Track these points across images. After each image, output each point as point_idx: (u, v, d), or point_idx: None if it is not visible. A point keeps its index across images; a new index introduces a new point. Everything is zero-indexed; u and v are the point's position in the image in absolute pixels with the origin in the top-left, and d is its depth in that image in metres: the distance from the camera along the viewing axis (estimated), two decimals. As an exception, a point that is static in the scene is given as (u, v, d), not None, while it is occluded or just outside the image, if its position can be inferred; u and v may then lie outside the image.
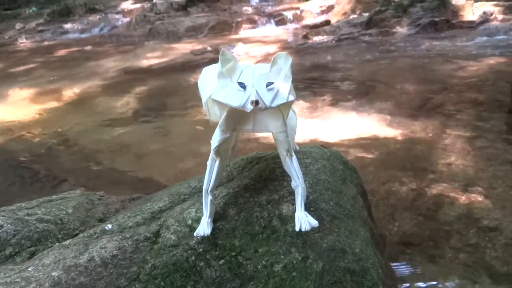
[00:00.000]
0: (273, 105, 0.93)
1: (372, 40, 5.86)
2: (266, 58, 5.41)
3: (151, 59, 5.98)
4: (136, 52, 6.66)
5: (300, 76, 4.55)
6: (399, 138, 2.92)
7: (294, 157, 1.06)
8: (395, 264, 1.79)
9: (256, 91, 0.92)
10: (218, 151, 1.03)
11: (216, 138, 1.01)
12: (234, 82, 0.95)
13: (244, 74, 0.96)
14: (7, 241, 1.13)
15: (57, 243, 1.14)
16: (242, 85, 0.93)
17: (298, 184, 1.05)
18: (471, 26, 5.89)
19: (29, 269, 1.03)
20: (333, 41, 6.01)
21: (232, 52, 5.92)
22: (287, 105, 0.99)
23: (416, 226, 2.05)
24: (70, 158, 3.06)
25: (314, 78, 4.45)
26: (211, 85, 1.03)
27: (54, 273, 0.97)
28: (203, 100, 1.17)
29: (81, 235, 1.14)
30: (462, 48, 5.18)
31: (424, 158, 2.64)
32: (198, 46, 6.37)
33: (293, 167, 1.05)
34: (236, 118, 1.00)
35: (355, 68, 4.78)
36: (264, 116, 1.00)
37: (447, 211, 2.12)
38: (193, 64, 5.44)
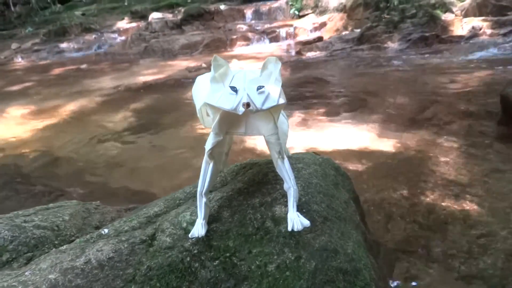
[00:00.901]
0: (264, 107, 0.96)
1: (364, 55, 5.96)
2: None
3: (146, 76, 6.05)
4: (131, 69, 6.73)
5: (294, 90, 4.62)
6: (392, 149, 2.96)
7: (285, 159, 1.09)
8: (389, 271, 1.81)
9: (248, 95, 0.95)
10: (212, 154, 1.06)
11: (209, 141, 1.04)
12: (226, 86, 0.98)
13: (236, 79, 1.00)
14: (4, 247, 1.15)
15: (53, 249, 1.15)
16: (234, 89, 0.97)
17: (290, 186, 1.08)
18: (461, 40, 6.02)
19: (26, 273, 1.04)
20: (326, 57, 6.10)
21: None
22: (278, 108, 1.02)
23: (410, 234, 2.07)
24: (66, 173, 3.07)
25: (307, 92, 4.52)
26: (204, 92, 1.06)
27: (51, 276, 0.99)
28: (197, 107, 1.20)
29: (77, 240, 1.15)
30: (452, 62, 5.28)
31: (417, 168, 2.68)
32: (193, 63, 6.45)
33: (284, 169, 1.08)
34: (229, 121, 1.03)
35: (347, 82, 4.85)
36: (255, 120, 1.04)
37: (440, 219, 2.15)
38: (188, 81, 5.50)
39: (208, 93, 1.00)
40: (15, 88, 6.12)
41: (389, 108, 3.77)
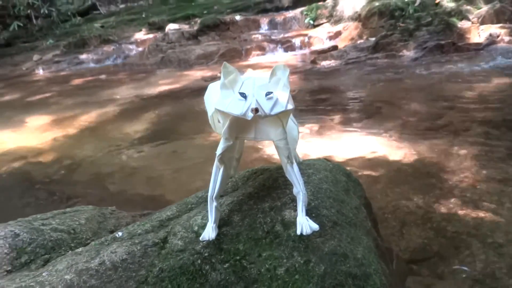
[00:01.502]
0: (273, 112, 0.99)
1: (379, 63, 5.95)
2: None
3: (163, 86, 6.14)
4: (148, 79, 6.85)
5: (309, 98, 4.63)
6: (407, 156, 2.94)
7: (294, 164, 1.10)
8: (402, 279, 1.79)
9: (256, 100, 0.98)
10: (222, 159, 1.08)
11: (220, 146, 1.07)
12: (236, 92, 1.01)
13: (245, 85, 1.03)
14: (23, 249, 1.19)
15: (70, 251, 1.19)
16: (243, 95, 1.00)
17: (299, 190, 1.10)
18: (478, 48, 5.95)
19: (43, 274, 1.08)
20: (341, 65, 6.11)
21: (241, 78, 6.06)
22: (286, 113, 1.05)
23: (424, 242, 2.05)
24: (84, 180, 3.14)
25: (322, 100, 4.53)
26: (215, 99, 1.09)
27: (67, 276, 1.02)
28: (209, 114, 1.24)
29: (92, 243, 1.19)
30: (468, 69, 5.23)
31: (432, 176, 2.65)
32: (209, 73, 6.53)
33: (293, 173, 1.10)
34: (239, 126, 1.05)
35: (362, 90, 4.85)
36: (265, 125, 1.06)
37: (456, 227, 2.12)
38: (204, 90, 5.56)
39: (218, 99, 1.03)
40: (36, 98, 6.29)
41: (404, 116, 3.75)
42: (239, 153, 1.33)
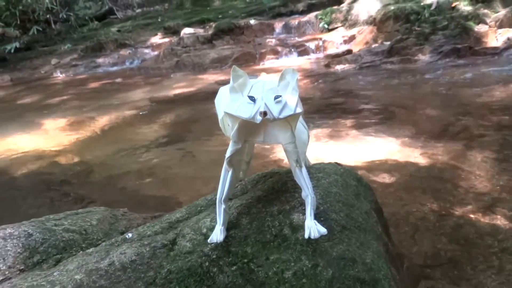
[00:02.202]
0: (281, 116, 0.99)
1: (393, 67, 5.90)
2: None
3: (177, 89, 6.20)
4: (163, 83, 6.91)
5: (323, 102, 4.62)
6: (421, 161, 2.91)
7: (303, 168, 1.10)
8: (413, 285, 1.77)
9: (265, 104, 0.98)
10: (231, 162, 1.09)
11: (228, 149, 1.08)
12: (245, 95, 1.02)
13: (254, 89, 1.03)
14: (35, 249, 1.21)
15: (81, 251, 1.21)
16: (252, 98, 1.00)
17: (308, 194, 1.10)
18: (495, 52, 5.86)
19: (54, 273, 1.10)
20: (355, 69, 6.08)
21: (255, 82, 6.07)
22: (295, 117, 1.05)
23: (437, 247, 2.02)
24: (99, 182, 3.18)
25: (336, 104, 4.51)
26: (225, 102, 1.10)
27: (77, 276, 1.04)
28: (219, 117, 1.24)
29: (103, 243, 1.21)
30: (485, 73, 5.15)
31: (446, 181, 2.62)
32: (223, 77, 6.56)
33: (302, 177, 1.10)
34: (247, 130, 1.06)
35: (376, 94, 4.81)
36: (273, 128, 1.06)
37: (470, 233, 2.09)
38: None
39: (227, 103, 1.04)
40: (53, 101, 6.40)
41: (419, 121, 3.71)
42: (249, 157, 1.34)
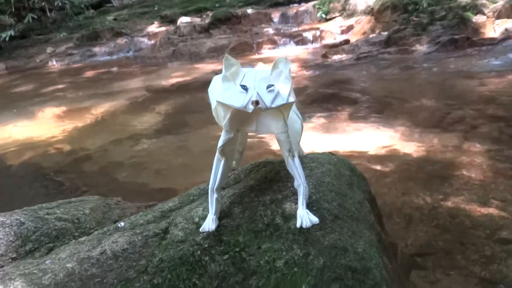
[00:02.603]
0: (273, 105, 0.98)
1: (391, 58, 5.88)
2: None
3: (174, 78, 6.17)
4: (159, 72, 6.87)
5: (319, 92, 4.61)
6: (416, 152, 2.91)
7: (296, 157, 1.10)
8: (406, 273, 1.78)
9: (257, 93, 0.98)
10: (223, 151, 1.09)
11: (221, 139, 1.07)
12: (237, 85, 1.01)
13: (247, 77, 1.02)
14: (28, 238, 1.21)
15: (73, 240, 1.21)
16: (244, 87, 1.00)
17: (300, 183, 1.10)
18: (493, 43, 5.84)
19: (46, 262, 1.10)
20: (352, 60, 6.06)
21: (252, 71, 6.05)
22: (287, 106, 1.04)
23: (430, 237, 2.04)
24: (93, 171, 3.17)
25: (332, 94, 4.50)
26: (218, 91, 1.09)
27: (68, 265, 1.04)
28: (213, 106, 1.24)
29: (95, 232, 1.21)
30: (482, 65, 5.14)
31: (441, 171, 2.63)
32: (219, 66, 6.51)
33: (295, 167, 1.10)
34: (240, 119, 1.06)
35: (373, 85, 4.80)
36: (266, 118, 1.06)
37: (463, 223, 2.10)
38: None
39: (220, 92, 1.03)
40: (49, 89, 6.36)
41: (414, 112, 3.71)
42: (242, 146, 1.33)
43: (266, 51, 7.53)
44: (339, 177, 1.38)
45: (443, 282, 1.77)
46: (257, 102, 0.96)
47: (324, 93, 4.60)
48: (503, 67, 4.94)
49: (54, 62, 8.96)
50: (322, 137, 3.30)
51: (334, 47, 6.68)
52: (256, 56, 7.29)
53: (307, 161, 1.37)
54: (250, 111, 0.97)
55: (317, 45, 7.48)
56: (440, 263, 1.88)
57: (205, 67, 6.77)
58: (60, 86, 6.51)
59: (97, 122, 4.43)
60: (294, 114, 1.24)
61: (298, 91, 4.62)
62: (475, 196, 2.31)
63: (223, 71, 1.03)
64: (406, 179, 2.57)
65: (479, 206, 2.22)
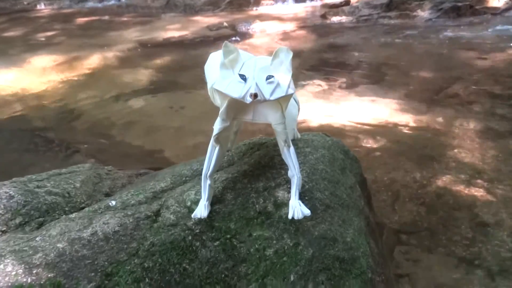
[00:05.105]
0: (272, 98, 0.96)
1: (391, 23, 5.75)
2: (282, 37, 5.38)
3: (167, 31, 5.98)
4: (153, 24, 6.65)
5: (314, 56, 4.53)
6: (409, 126, 2.92)
7: (291, 147, 1.09)
8: (390, 252, 1.84)
9: (256, 84, 0.95)
10: (218, 139, 1.07)
11: (216, 126, 1.05)
12: (236, 73, 0.98)
13: (246, 66, 0.99)
14: (17, 211, 1.20)
15: (63, 216, 1.21)
16: (243, 77, 0.97)
17: (294, 174, 1.09)
18: (496, 12, 5.73)
19: (36, 238, 1.10)
20: (351, 22, 5.92)
21: (248, 29, 5.88)
22: (287, 98, 1.02)
23: (416, 216, 2.08)
24: (83, 129, 3.13)
25: (328, 60, 4.43)
26: (215, 72, 1.06)
27: (59, 245, 1.04)
28: (208, 86, 1.20)
29: (86, 209, 1.20)
30: (483, 36, 5.06)
31: (432, 148, 2.65)
32: (215, 21, 6.33)
33: (290, 157, 1.09)
34: (237, 108, 1.03)
35: (371, 52, 4.72)
36: (263, 107, 1.04)
37: (449, 203, 2.14)
38: (209, 40, 5.44)
39: (218, 79, 1.00)
40: (38, 36, 6.15)
41: (410, 83, 3.67)
42: (236, 127, 1.31)
43: (264, 7, 7.30)
44: (333, 162, 1.38)
45: (425, 261, 1.82)
46: (255, 95, 0.93)
47: (320, 57, 4.52)
48: (504, 39, 4.87)
49: (43, 6, 8.60)
50: (315, 106, 3.27)
51: (334, 8, 6.49)
52: (253, 12, 7.08)
53: (302, 145, 1.37)
54: (248, 102, 0.95)
55: (317, 3, 7.25)
56: (422, 242, 1.93)
57: (200, 21, 6.57)
58: (50, 33, 6.28)
59: (87, 76, 4.32)
60: (291, 99, 1.21)
61: (294, 54, 4.53)
62: (463, 175, 2.35)
63: (222, 58, 0.99)
64: (397, 155, 2.59)
65: (465, 187, 2.25)
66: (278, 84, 0.97)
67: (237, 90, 0.95)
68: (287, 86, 0.98)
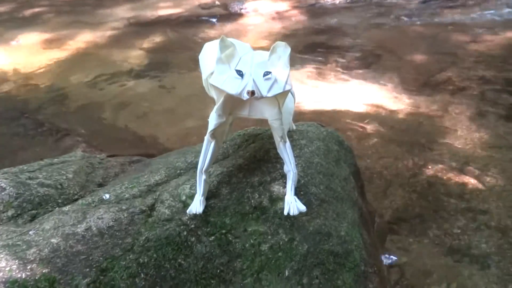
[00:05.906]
0: (269, 95, 0.94)
1: (386, 3, 5.68)
2: (275, 17, 5.29)
3: (158, 9, 5.85)
4: (144, 1, 6.49)
5: (307, 39, 4.47)
6: (402, 112, 2.92)
7: (287, 143, 1.08)
8: (381, 242, 1.86)
9: (253, 80, 0.93)
10: (214, 134, 1.06)
11: (212, 122, 1.04)
12: (232, 69, 0.96)
13: (243, 61, 0.97)
14: (10, 204, 1.19)
15: (57, 208, 1.20)
16: (240, 73, 0.95)
17: (290, 169, 1.09)
18: (491, -5, 5.68)
19: (30, 232, 1.09)
20: (346, 2, 5.84)
21: (241, 8, 5.78)
22: (284, 94, 1.00)
23: (407, 204, 2.10)
24: (73, 112, 3.08)
25: (321, 42, 4.37)
26: (212, 62, 1.04)
27: (53, 240, 1.03)
28: (203, 76, 1.18)
29: (80, 201, 1.19)
30: (478, 18, 5.02)
31: (424, 135, 2.65)
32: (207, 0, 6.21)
33: (286, 152, 1.08)
34: (233, 103, 1.02)
35: (364, 34, 4.67)
36: (260, 103, 1.02)
37: (439, 191, 2.16)
38: (201, 19, 5.34)
39: (214, 74, 0.98)
40: (26, 13, 5.97)
41: (403, 68, 3.66)
42: (231, 120, 1.30)
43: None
44: (327, 154, 1.38)
45: (415, 249, 1.85)
46: (252, 92, 0.92)
47: (313, 40, 4.46)
48: (499, 22, 4.84)
49: (29, -20, 8.34)
50: (307, 90, 3.25)
51: (328, -13, 6.38)
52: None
53: (297, 137, 1.36)
54: (245, 98, 0.93)
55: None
56: (413, 230, 1.96)
57: (193, -1, 6.43)
58: (37, 10, 6.10)
59: (77, 55, 4.23)
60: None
61: (286, 36, 4.49)
62: (454, 163, 2.37)
63: (218, 53, 0.97)
64: (389, 141, 2.60)
65: (456, 175, 2.28)
66: (275, 80, 0.96)
67: (234, 87, 0.94)
68: (284, 82, 0.97)
